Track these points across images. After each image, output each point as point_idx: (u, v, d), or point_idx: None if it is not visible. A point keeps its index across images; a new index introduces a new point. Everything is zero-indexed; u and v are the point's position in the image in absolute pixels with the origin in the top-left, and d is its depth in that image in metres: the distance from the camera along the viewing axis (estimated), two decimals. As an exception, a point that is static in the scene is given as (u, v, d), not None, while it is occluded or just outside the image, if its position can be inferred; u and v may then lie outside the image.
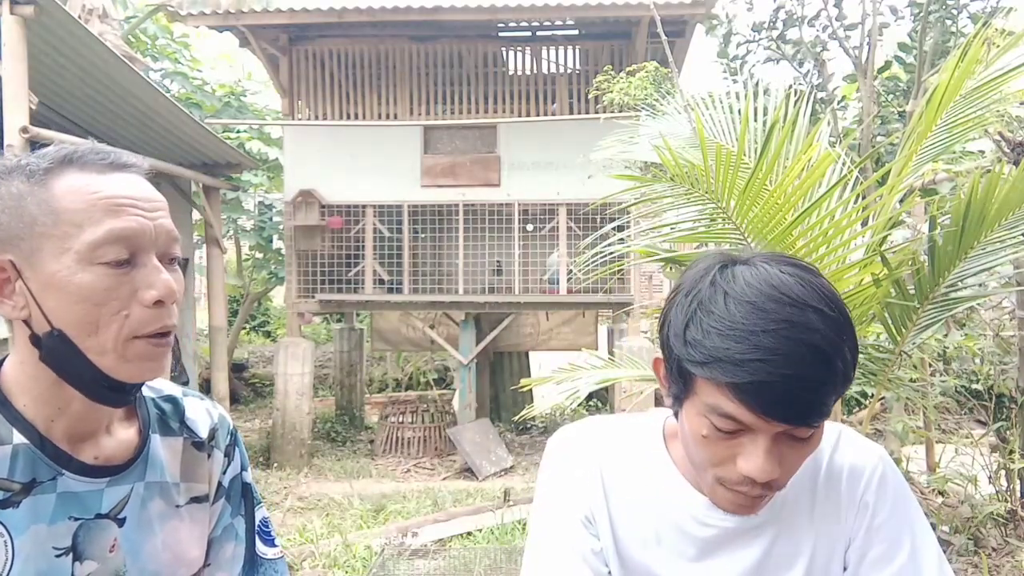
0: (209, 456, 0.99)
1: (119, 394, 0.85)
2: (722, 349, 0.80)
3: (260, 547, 1.05)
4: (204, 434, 0.99)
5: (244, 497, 1.05)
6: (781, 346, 0.78)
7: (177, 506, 0.93)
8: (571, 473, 1.01)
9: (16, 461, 0.80)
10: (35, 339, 0.81)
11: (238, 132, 10.99)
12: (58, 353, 0.80)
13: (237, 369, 11.60)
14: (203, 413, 1.00)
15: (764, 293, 0.81)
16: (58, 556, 0.81)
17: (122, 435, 0.90)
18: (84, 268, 0.78)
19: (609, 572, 0.98)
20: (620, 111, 5.84)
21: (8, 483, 0.79)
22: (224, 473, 1.02)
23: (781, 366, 0.77)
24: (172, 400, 0.98)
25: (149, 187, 0.85)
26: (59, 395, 0.83)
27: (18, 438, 0.81)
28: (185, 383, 7.99)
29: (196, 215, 8.47)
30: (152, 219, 0.82)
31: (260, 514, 1.07)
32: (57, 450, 0.83)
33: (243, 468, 1.05)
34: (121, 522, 0.87)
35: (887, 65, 6.73)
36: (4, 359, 0.86)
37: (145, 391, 0.95)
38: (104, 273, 0.79)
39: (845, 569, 0.96)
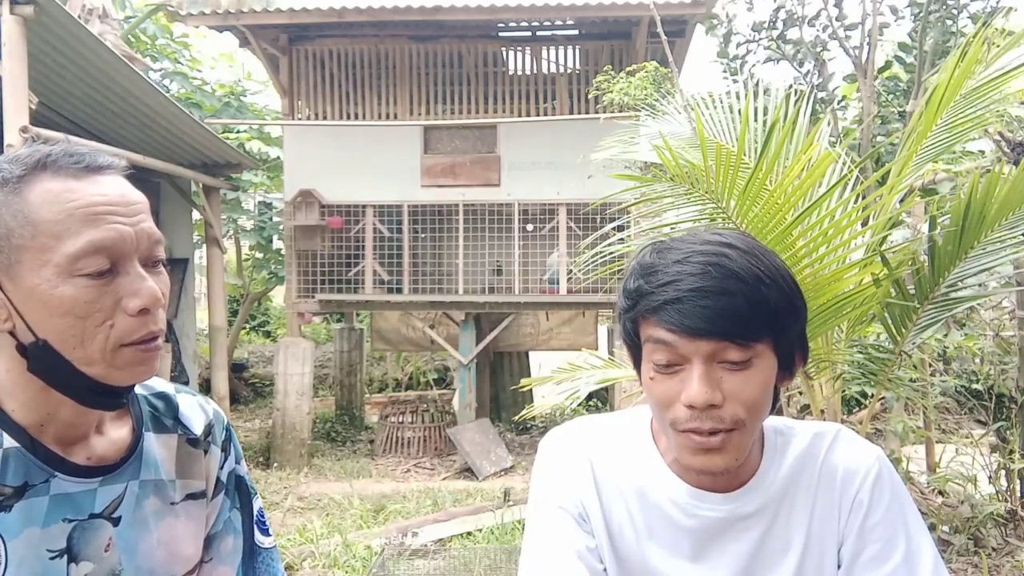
0: (206, 452, 0.99)
1: (112, 398, 0.84)
2: (644, 288, 0.89)
3: (258, 537, 1.06)
4: (199, 431, 0.98)
5: (239, 490, 1.05)
6: (691, 269, 0.87)
7: (172, 503, 0.93)
8: (563, 472, 1.01)
9: (7, 465, 0.79)
10: (22, 349, 0.79)
11: (238, 132, 10.99)
12: (45, 363, 0.79)
13: (237, 369, 11.59)
14: (197, 410, 1.00)
15: (685, 242, 0.91)
16: (52, 558, 0.81)
17: (114, 434, 0.89)
18: (65, 281, 0.76)
19: (604, 569, 0.98)
20: (620, 111, 5.84)
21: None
22: (222, 468, 1.02)
23: (690, 284, 0.86)
24: (165, 397, 0.98)
25: (128, 188, 0.83)
26: (48, 401, 0.82)
27: (9, 442, 0.80)
28: (185, 383, 7.98)
29: (196, 215, 8.46)
30: (133, 224, 0.80)
31: (256, 505, 1.08)
32: (49, 453, 0.82)
33: (238, 461, 1.05)
34: (116, 521, 0.86)
35: (887, 65, 6.73)
36: None
37: (137, 389, 0.95)
38: (85, 285, 0.77)
39: (839, 568, 0.96)
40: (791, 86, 5.97)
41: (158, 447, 0.93)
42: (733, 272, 0.86)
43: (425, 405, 8.63)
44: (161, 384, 0.99)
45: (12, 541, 0.78)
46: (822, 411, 2.97)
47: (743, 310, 0.85)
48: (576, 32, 8.67)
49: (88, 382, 0.80)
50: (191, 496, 0.96)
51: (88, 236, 0.76)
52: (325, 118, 8.41)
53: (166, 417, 0.96)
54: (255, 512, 1.07)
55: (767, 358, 0.88)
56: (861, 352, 2.98)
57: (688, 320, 0.85)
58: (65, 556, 0.82)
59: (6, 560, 0.78)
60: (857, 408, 5.59)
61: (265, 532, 1.07)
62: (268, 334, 15.31)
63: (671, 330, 0.86)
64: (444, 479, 7.48)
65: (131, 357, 0.80)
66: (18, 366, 0.80)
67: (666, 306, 0.86)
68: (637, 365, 0.95)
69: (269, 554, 1.07)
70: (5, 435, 0.81)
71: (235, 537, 1.03)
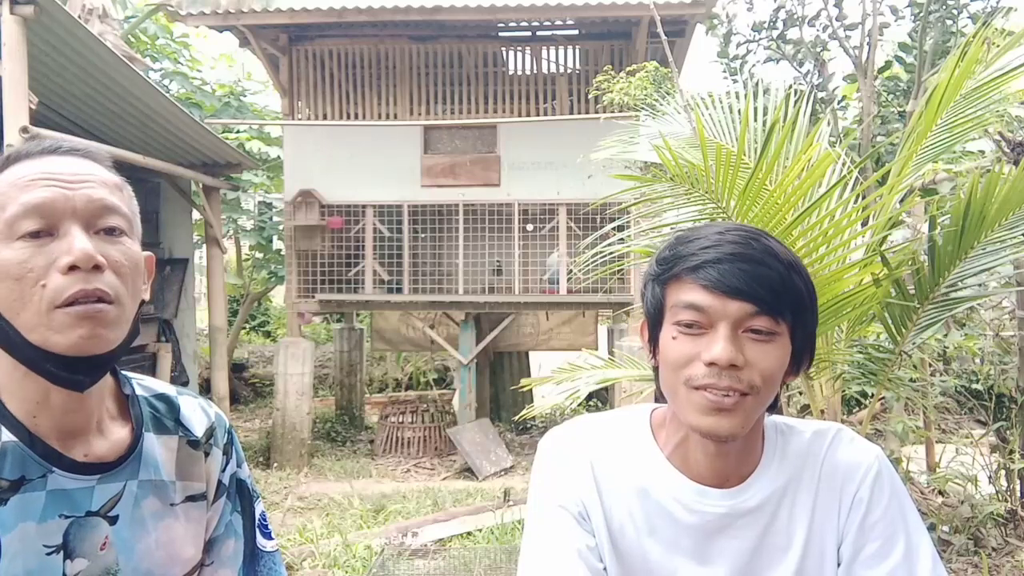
0: (207, 455, 0.99)
1: (71, 373, 0.82)
2: (683, 252, 0.94)
3: (260, 540, 1.06)
4: (200, 433, 0.99)
5: (241, 493, 1.05)
6: (732, 238, 0.92)
7: (172, 504, 0.93)
8: (563, 471, 1.02)
9: (4, 459, 0.80)
10: None
11: (238, 132, 10.99)
12: (2, 335, 0.80)
13: (237, 369, 11.59)
14: (198, 412, 1.00)
15: (719, 223, 0.98)
16: (48, 554, 0.81)
17: (115, 435, 0.90)
18: (7, 245, 0.79)
19: (604, 568, 0.98)
20: (620, 111, 5.84)
21: None
22: (223, 471, 1.02)
23: (731, 249, 0.90)
24: (166, 399, 0.98)
25: (86, 165, 0.85)
26: (34, 387, 0.82)
27: (7, 436, 0.81)
28: (185, 383, 7.99)
29: (196, 215, 8.46)
30: (70, 189, 0.81)
31: (259, 508, 1.08)
32: (47, 448, 0.83)
33: (239, 464, 1.05)
34: (113, 520, 0.86)
35: (887, 65, 6.73)
36: None
37: (138, 390, 0.95)
38: (22, 247, 0.79)
39: (839, 565, 0.97)
40: (791, 86, 5.97)
41: (158, 448, 0.93)
42: (772, 250, 0.91)
43: (425, 405, 8.64)
44: (162, 386, 0.99)
45: (7, 535, 0.78)
46: (822, 411, 2.97)
47: (777, 283, 0.89)
48: (576, 32, 8.67)
49: (37, 352, 0.80)
50: (191, 498, 0.96)
51: (21, 199, 0.79)
52: (325, 118, 8.41)
53: (167, 418, 0.96)
54: (257, 516, 1.06)
55: (785, 342, 0.91)
56: (861, 352, 2.98)
57: (726, 279, 0.88)
58: (61, 552, 0.82)
59: (0, 553, 0.78)
60: (857, 408, 5.59)
61: (267, 536, 1.07)
62: (268, 334, 15.31)
63: (706, 287, 0.89)
64: (444, 479, 7.48)
65: (64, 319, 0.79)
66: (4, 352, 0.82)
67: (706, 265, 0.90)
68: (654, 335, 0.97)
69: (271, 558, 1.07)
70: (3, 429, 0.81)
71: (236, 540, 1.03)
